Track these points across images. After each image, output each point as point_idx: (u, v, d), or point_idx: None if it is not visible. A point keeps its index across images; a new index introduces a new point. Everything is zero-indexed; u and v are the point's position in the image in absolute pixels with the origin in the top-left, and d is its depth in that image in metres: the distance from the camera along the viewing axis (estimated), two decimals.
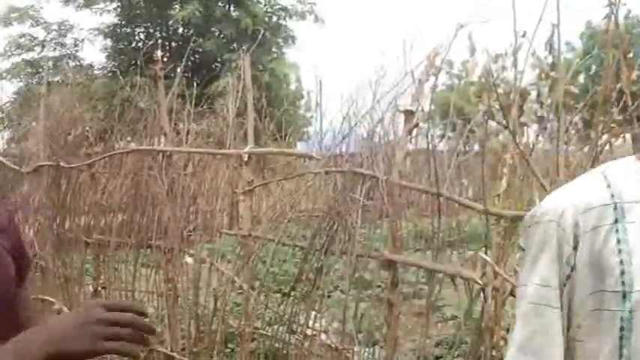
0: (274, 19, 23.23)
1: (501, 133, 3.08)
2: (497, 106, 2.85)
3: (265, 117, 7.11)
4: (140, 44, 22.76)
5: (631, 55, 2.75)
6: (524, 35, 2.82)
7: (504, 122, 2.72)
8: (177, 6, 22.21)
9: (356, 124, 4.24)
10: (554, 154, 2.67)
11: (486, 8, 3.26)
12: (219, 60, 21.83)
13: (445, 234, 3.57)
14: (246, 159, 4.54)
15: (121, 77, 11.35)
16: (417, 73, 3.62)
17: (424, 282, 3.53)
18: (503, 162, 2.77)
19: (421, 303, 3.76)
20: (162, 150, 5.27)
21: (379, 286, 4.12)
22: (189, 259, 5.22)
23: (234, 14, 22.25)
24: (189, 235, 5.23)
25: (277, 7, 23.36)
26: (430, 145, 3.74)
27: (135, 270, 5.36)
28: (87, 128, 7.82)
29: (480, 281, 2.84)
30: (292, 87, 23.14)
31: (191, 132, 5.70)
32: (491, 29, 3.26)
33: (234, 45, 21.33)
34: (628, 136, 3.05)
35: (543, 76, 2.74)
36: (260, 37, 16.19)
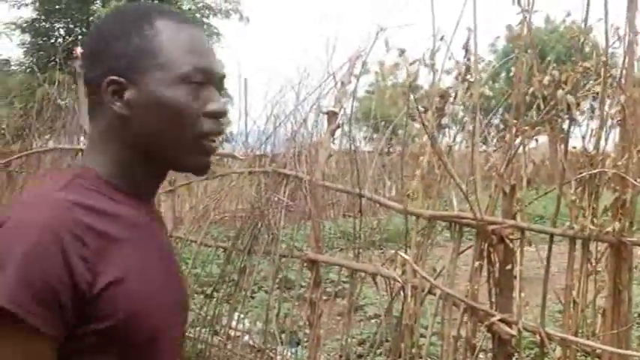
0: (198, 16, 22.97)
1: (418, 136, 3.13)
2: (417, 109, 2.90)
3: None
4: (60, 40, 22.09)
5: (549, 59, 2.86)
6: (442, 39, 2.88)
7: (422, 124, 2.78)
8: (99, 1, 21.67)
9: (280, 125, 4.25)
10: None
11: (406, 12, 3.32)
12: None
13: (367, 233, 3.61)
14: None
15: (39, 74, 10.97)
16: (339, 75, 3.66)
17: (346, 281, 3.56)
18: (419, 163, 2.82)
19: (345, 302, 3.80)
20: (82, 149, 5.14)
21: (302, 286, 4.13)
22: None
23: None
24: None
25: (201, 4, 23.14)
26: (352, 146, 3.78)
27: None
28: (3, 126, 7.56)
29: (399, 280, 2.89)
30: None
31: None
32: (411, 33, 3.31)
33: None
34: (543, 138, 3.16)
35: (460, 79, 2.81)
36: None
